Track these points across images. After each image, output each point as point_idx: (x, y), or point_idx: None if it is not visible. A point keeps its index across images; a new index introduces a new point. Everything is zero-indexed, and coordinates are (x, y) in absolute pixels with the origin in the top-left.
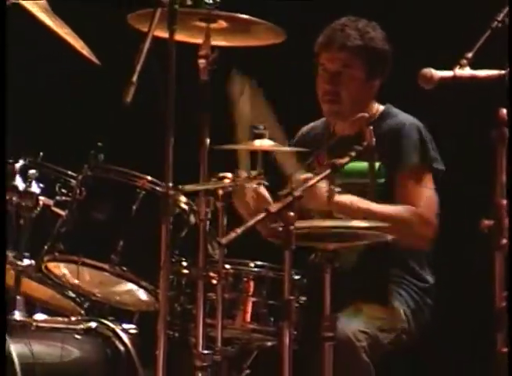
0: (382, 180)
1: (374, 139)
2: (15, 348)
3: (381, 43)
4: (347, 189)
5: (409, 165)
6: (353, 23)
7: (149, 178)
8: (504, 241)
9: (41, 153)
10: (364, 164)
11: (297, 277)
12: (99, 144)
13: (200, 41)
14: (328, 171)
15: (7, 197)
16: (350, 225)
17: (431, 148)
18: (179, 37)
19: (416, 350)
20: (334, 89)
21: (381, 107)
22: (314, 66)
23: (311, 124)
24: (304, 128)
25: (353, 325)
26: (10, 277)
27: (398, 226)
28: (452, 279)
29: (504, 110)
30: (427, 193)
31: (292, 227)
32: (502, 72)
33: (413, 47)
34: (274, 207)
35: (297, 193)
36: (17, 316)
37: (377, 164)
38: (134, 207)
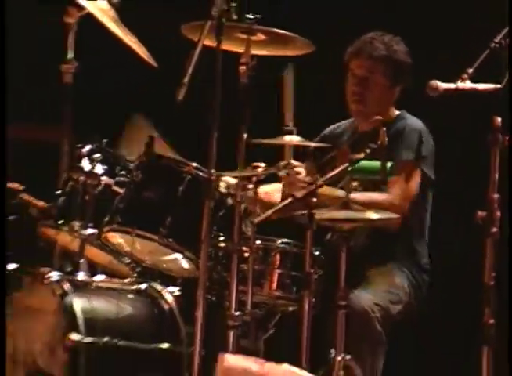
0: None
1: (387, 139)
2: (77, 304)
3: (403, 56)
4: (363, 184)
5: (399, 161)
6: (380, 37)
7: (194, 164)
8: (494, 230)
9: (105, 141)
10: (377, 163)
11: (316, 253)
12: (154, 135)
13: (241, 50)
14: (347, 165)
15: (74, 176)
16: (361, 218)
17: (426, 153)
18: (224, 46)
19: (416, 322)
20: (361, 91)
21: (397, 112)
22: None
23: (339, 123)
24: (331, 126)
25: (368, 298)
26: (76, 244)
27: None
28: (446, 261)
29: (499, 119)
30: (406, 185)
31: (313, 211)
32: (499, 86)
33: (426, 59)
34: (300, 194)
35: (319, 182)
36: (80, 276)
37: (389, 164)
38: (180, 189)
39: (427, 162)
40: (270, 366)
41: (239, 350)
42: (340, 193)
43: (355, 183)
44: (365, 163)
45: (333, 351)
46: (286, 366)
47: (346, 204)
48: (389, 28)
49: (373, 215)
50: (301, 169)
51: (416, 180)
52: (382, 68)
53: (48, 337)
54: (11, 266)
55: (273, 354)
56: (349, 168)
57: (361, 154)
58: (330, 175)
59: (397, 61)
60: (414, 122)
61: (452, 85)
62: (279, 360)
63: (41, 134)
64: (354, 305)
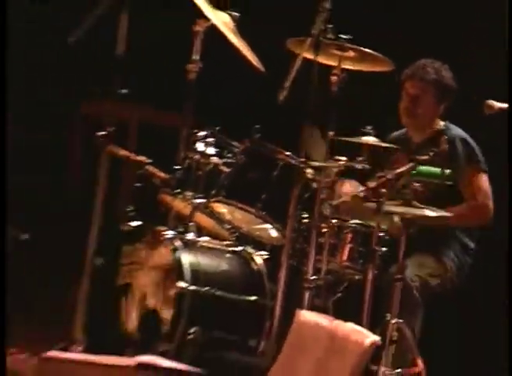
0: (450, 182)
1: (446, 146)
2: (185, 258)
3: (449, 80)
4: (425, 186)
5: (468, 169)
6: (431, 63)
7: (287, 153)
8: None
9: (218, 128)
10: (436, 169)
11: (381, 234)
12: (257, 126)
13: (334, 64)
14: (413, 164)
15: (190, 155)
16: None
17: (479, 153)
18: (320, 59)
19: (456, 297)
20: (413, 107)
21: (442, 123)
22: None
23: (398, 132)
24: (394, 133)
25: (410, 270)
26: (187, 210)
27: (462, 221)
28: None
29: None
30: (484, 188)
31: (382, 199)
32: None
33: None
34: (372, 184)
35: (388, 176)
36: (189, 236)
37: (447, 170)
38: (275, 173)
39: (485, 165)
40: (337, 323)
41: (312, 308)
42: (370, 205)
43: (417, 184)
44: (424, 168)
45: (388, 315)
46: (350, 325)
47: (408, 202)
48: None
49: (430, 212)
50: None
51: (486, 181)
52: (431, 89)
53: (160, 283)
54: (136, 223)
55: (339, 314)
56: (413, 168)
57: (424, 156)
58: (399, 171)
59: (444, 85)
60: (459, 131)
61: (505, 105)
62: (343, 320)
63: (167, 119)
64: None
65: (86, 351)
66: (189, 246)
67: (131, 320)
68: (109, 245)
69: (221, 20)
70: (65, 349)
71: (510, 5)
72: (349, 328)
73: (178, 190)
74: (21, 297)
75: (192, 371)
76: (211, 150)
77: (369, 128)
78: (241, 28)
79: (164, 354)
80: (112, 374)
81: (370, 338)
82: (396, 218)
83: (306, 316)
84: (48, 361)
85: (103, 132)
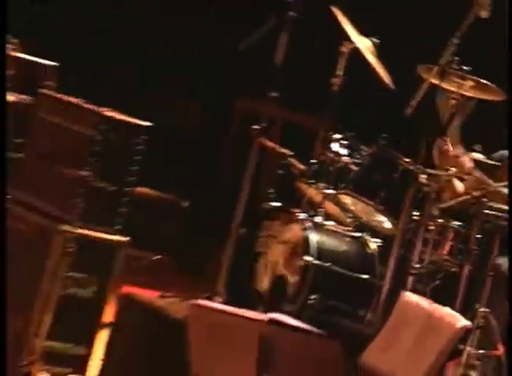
0: None
1: None
2: (313, 236)
3: None
4: None
5: None
6: None
7: (407, 160)
8: None
9: (351, 133)
10: None
11: (478, 236)
12: (384, 135)
13: (454, 89)
14: None
15: (325, 153)
16: None
17: None
18: (444, 85)
19: None
20: None
21: None
22: None
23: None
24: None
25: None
26: (318, 198)
27: None
28: None
29: None
30: None
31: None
32: None
33: None
34: (477, 193)
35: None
36: (318, 219)
37: None
38: (395, 176)
39: None
40: (435, 306)
41: (414, 290)
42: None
43: None
44: None
45: (478, 304)
46: (446, 308)
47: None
48: None
49: None
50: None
51: None
52: None
53: (290, 254)
54: (275, 204)
55: (436, 299)
56: None
57: None
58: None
59: None
60: None
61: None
62: (438, 304)
63: (308, 121)
64: (499, 267)
65: (225, 303)
66: (317, 227)
67: (264, 283)
68: (252, 219)
69: (364, 44)
70: (209, 299)
71: (510, 4)
72: (445, 311)
73: (313, 181)
74: (176, 252)
75: (314, 331)
76: (343, 151)
77: (477, 146)
78: (380, 52)
79: (288, 313)
80: (248, 325)
81: (462, 321)
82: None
83: (409, 296)
84: (199, 307)
85: (256, 126)
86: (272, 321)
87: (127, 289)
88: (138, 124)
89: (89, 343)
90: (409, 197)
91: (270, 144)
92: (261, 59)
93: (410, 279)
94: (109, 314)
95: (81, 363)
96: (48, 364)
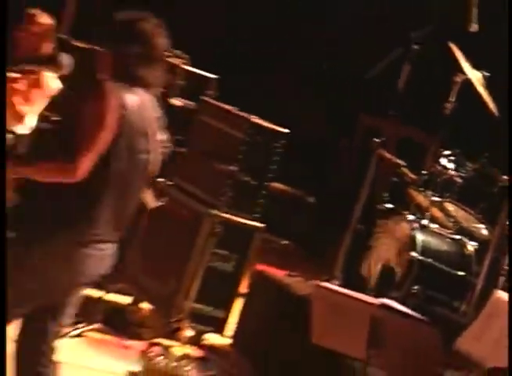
0: None
1: None
2: (419, 236)
3: None
4: None
5: None
6: None
7: (505, 177)
8: None
9: (458, 151)
10: None
11: None
12: (486, 154)
13: None
14: None
15: (435, 166)
16: None
17: None
18: None
19: None
20: None
21: None
22: None
23: None
24: None
25: None
26: (426, 204)
27: None
28: None
29: None
30: None
31: None
32: None
33: None
34: None
35: None
36: (424, 221)
37: None
38: (494, 190)
39: None
40: None
41: (504, 289)
42: None
43: None
44: None
45: None
46: None
47: None
48: None
49: None
50: None
51: None
52: None
53: (398, 249)
54: (388, 205)
55: None
56: None
57: None
58: None
59: None
60: None
61: None
62: None
63: (420, 137)
64: None
65: (340, 286)
66: (423, 228)
67: (374, 271)
68: (368, 218)
69: (475, 76)
70: (327, 281)
71: (510, 4)
72: None
73: (422, 189)
74: (302, 240)
75: (420, 318)
76: (450, 165)
77: None
78: (487, 83)
79: (394, 299)
80: (362, 307)
81: None
82: None
83: (501, 294)
84: (322, 288)
85: (377, 139)
86: (383, 306)
87: (260, 266)
88: (279, 131)
89: (227, 308)
90: (504, 210)
91: (387, 155)
92: (386, 83)
93: (501, 278)
94: (244, 286)
95: (219, 323)
96: (193, 322)
